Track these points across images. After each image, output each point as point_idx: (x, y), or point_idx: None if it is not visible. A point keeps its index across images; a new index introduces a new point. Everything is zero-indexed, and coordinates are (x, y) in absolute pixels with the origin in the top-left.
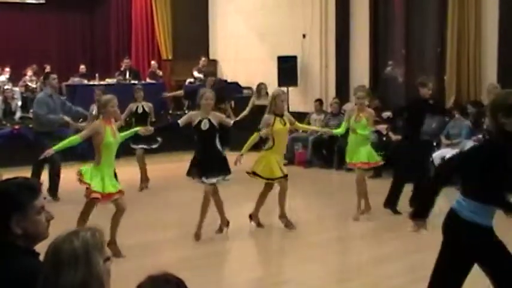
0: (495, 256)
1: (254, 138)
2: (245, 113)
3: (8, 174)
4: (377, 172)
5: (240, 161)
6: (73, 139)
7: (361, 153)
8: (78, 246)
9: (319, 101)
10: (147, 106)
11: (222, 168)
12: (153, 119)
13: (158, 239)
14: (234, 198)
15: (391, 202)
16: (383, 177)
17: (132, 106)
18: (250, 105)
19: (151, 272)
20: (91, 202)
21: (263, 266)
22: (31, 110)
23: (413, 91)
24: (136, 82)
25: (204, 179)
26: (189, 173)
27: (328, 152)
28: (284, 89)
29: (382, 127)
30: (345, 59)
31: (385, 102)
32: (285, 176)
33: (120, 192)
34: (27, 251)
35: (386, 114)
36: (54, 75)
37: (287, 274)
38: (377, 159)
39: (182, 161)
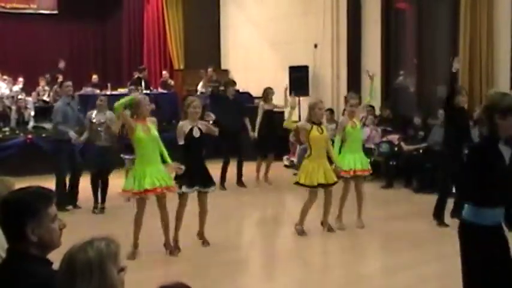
0: None
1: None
2: (259, 120)
3: (20, 183)
4: (389, 182)
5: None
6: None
7: (358, 161)
8: (93, 256)
9: (330, 111)
10: None
11: (210, 179)
12: None
13: None
14: (245, 208)
15: (436, 214)
16: (395, 188)
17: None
18: (260, 111)
19: (163, 281)
20: (139, 201)
21: (276, 275)
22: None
23: (425, 100)
24: (148, 92)
25: (188, 188)
26: (178, 181)
27: None
28: (296, 98)
29: (394, 137)
30: (357, 69)
31: (396, 112)
32: (330, 184)
33: (167, 188)
34: (41, 259)
35: (421, 134)
36: (68, 83)
37: (299, 283)
38: (367, 167)
39: None
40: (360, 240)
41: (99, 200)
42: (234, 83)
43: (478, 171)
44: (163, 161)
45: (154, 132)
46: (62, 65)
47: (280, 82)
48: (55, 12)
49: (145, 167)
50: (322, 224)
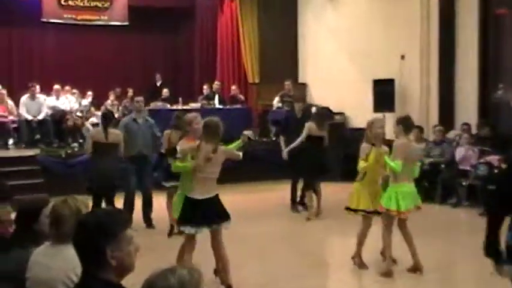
0: None
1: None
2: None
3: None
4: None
5: None
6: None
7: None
8: (174, 284)
9: (419, 128)
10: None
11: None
12: None
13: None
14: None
15: None
16: None
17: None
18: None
19: None
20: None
21: None
22: None
23: None
24: (221, 107)
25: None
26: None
27: (430, 185)
28: (380, 115)
29: (493, 158)
30: (449, 82)
31: (497, 130)
32: (377, 212)
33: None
34: (116, 286)
35: None
36: (139, 98)
37: None
38: None
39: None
40: (451, 274)
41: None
42: (301, 99)
43: None
44: None
45: None
46: (158, 77)
47: (363, 97)
48: (126, 23)
49: None
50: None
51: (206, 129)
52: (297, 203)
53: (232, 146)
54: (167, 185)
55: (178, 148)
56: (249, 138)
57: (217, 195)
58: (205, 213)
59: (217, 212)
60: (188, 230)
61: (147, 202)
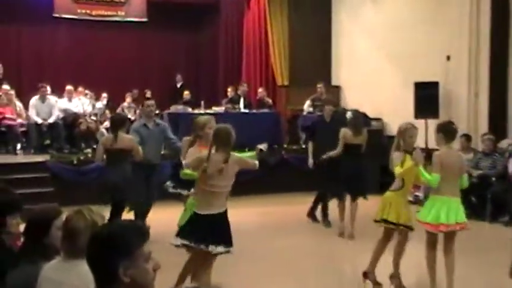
0: None
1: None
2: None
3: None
4: None
5: None
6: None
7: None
8: None
9: (467, 137)
10: None
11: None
12: None
13: None
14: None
15: None
16: None
17: None
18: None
19: None
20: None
21: None
22: None
23: None
24: (247, 111)
25: (212, 247)
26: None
27: (478, 200)
28: (422, 121)
29: None
30: (501, 85)
31: None
32: (410, 226)
33: None
34: None
35: None
36: (149, 102)
37: None
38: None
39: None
40: None
41: None
42: (331, 101)
43: None
44: None
45: None
46: (178, 78)
47: (403, 101)
48: (144, 20)
49: None
50: (365, 275)
51: (216, 138)
52: (328, 216)
53: (245, 155)
54: (171, 190)
55: (183, 162)
56: (261, 150)
57: (225, 213)
58: (213, 231)
59: (219, 233)
60: (176, 241)
61: (145, 210)
